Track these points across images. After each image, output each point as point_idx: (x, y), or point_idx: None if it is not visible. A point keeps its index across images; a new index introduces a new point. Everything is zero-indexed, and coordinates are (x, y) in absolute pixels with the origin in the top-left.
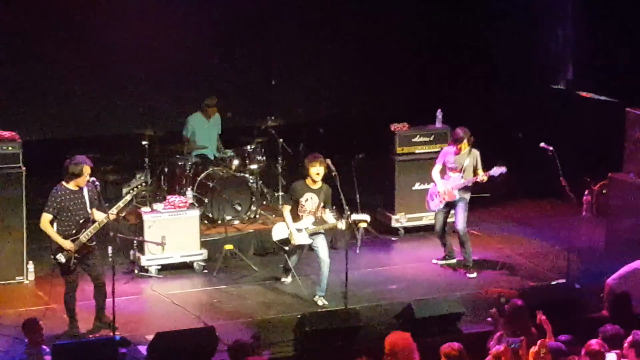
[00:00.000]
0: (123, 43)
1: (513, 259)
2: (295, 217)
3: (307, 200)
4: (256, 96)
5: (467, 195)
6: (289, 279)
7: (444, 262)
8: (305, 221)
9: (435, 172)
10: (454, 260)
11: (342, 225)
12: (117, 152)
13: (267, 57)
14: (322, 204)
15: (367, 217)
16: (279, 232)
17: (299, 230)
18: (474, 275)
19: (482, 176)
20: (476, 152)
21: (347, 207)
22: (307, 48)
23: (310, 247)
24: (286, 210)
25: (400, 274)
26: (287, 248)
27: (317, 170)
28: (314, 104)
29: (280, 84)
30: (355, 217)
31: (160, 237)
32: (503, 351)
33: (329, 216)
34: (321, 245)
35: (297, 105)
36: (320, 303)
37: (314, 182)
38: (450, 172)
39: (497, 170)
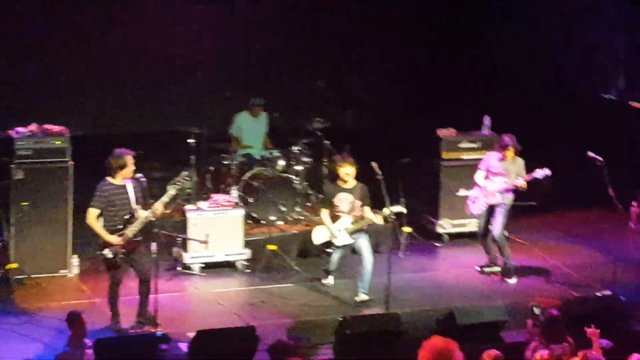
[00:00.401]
0: (172, 40)
1: (558, 268)
2: (333, 218)
3: (340, 200)
4: (303, 97)
5: (508, 200)
6: (330, 281)
7: (487, 269)
8: (343, 221)
9: (479, 177)
10: (497, 268)
11: (378, 219)
12: (163, 150)
13: (316, 58)
14: (359, 203)
15: (402, 209)
16: (319, 235)
17: (338, 230)
18: (514, 281)
19: (522, 180)
20: (521, 161)
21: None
22: (355, 50)
23: (353, 250)
24: (323, 213)
25: (442, 280)
26: (329, 250)
27: (346, 171)
28: (360, 107)
29: (328, 86)
30: (389, 210)
31: (204, 235)
32: (547, 359)
33: (369, 213)
34: (363, 244)
35: (344, 107)
36: (360, 298)
37: (345, 182)
38: (493, 177)
39: (540, 173)
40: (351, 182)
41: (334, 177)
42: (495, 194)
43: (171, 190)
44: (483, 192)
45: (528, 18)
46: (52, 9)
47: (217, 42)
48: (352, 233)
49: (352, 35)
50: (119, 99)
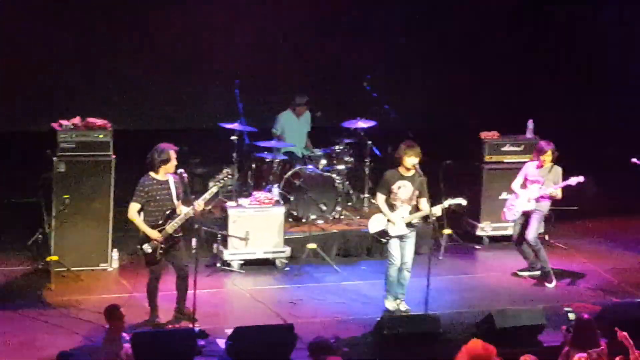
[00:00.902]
0: (215, 38)
1: (598, 274)
2: (390, 207)
3: (399, 187)
4: (347, 97)
5: (544, 208)
6: (391, 306)
7: (527, 273)
8: (400, 210)
9: (516, 184)
10: (536, 272)
11: (437, 211)
12: (205, 146)
13: (359, 58)
14: (417, 193)
15: (463, 201)
16: (375, 223)
17: (395, 219)
18: (552, 284)
19: (556, 189)
20: (558, 169)
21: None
22: (399, 51)
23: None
24: (380, 199)
25: (482, 282)
26: (384, 240)
27: (412, 162)
28: (404, 108)
29: (371, 86)
30: (450, 201)
31: (244, 232)
32: None
33: (425, 205)
34: (408, 249)
35: (387, 108)
36: (402, 308)
37: (408, 170)
38: (529, 185)
39: (573, 180)
40: (412, 171)
41: (394, 164)
42: (530, 201)
43: (213, 188)
44: (518, 199)
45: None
46: (97, 5)
47: (258, 39)
48: (408, 224)
49: (397, 34)
50: (161, 95)
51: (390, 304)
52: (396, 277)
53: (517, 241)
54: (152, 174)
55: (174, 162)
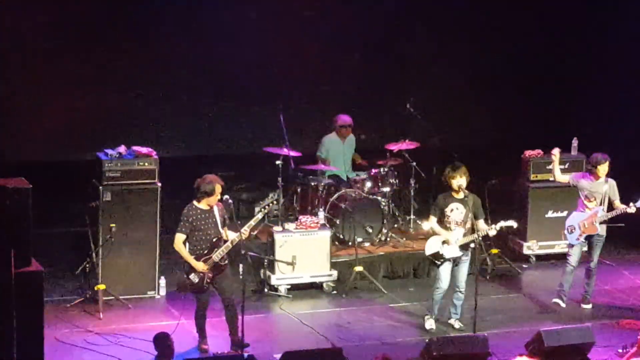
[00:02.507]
0: (259, 62)
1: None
2: (444, 229)
3: (452, 210)
4: (390, 118)
5: (605, 229)
6: (431, 325)
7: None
8: (455, 233)
9: (561, 176)
10: (561, 302)
11: (492, 232)
12: (251, 171)
13: (402, 79)
14: (471, 214)
15: (514, 223)
16: (431, 245)
17: (450, 241)
18: (589, 306)
19: (632, 207)
20: (613, 182)
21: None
22: (442, 71)
23: (452, 273)
24: (433, 220)
25: (530, 301)
26: (438, 262)
27: (458, 183)
28: (447, 128)
29: (415, 107)
30: (502, 223)
31: (290, 257)
32: None
33: (483, 225)
34: (462, 271)
35: (430, 129)
36: (457, 326)
37: (457, 192)
38: (587, 202)
39: None
40: (463, 193)
41: (445, 189)
42: (596, 225)
43: (259, 214)
44: (583, 226)
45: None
46: (141, 32)
47: (301, 62)
48: (462, 246)
49: (436, 54)
50: (205, 120)
51: (430, 324)
52: (440, 300)
53: (576, 265)
54: (195, 203)
55: (217, 196)
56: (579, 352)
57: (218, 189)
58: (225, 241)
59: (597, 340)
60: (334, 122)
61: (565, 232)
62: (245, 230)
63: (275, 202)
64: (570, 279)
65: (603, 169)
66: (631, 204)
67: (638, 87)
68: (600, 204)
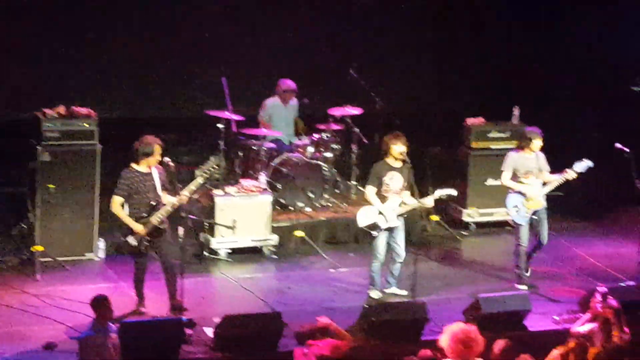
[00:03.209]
0: (201, 27)
1: (583, 259)
2: (381, 198)
3: (391, 178)
4: (333, 84)
5: (545, 200)
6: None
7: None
8: (391, 202)
9: (507, 179)
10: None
11: (429, 202)
12: (192, 135)
13: (345, 45)
14: (407, 184)
15: (453, 192)
16: (364, 217)
17: (386, 211)
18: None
19: (571, 172)
20: (542, 154)
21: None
22: (386, 38)
23: (388, 243)
24: (371, 191)
25: (468, 268)
26: (375, 233)
27: (399, 149)
28: (391, 95)
29: (358, 73)
30: (440, 192)
31: (231, 221)
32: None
33: (410, 198)
34: (399, 240)
35: (374, 95)
36: (398, 293)
37: (396, 160)
38: (524, 179)
39: (583, 166)
40: (400, 162)
41: (381, 156)
42: (541, 199)
43: (199, 179)
44: (525, 197)
45: (609, 18)
46: None
47: (244, 27)
48: (399, 215)
49: (382, 21)
50: (148, 83)
51: (375, 294)
52: (380, 272)
53: (527, 245)
54: (133, 165)
55: (157, 156)
56: (516, 319)
57: (157, 149)
58: (165, 204)
59: (533, 307)
60: (277, 86)
61: (510, 212)
62: (185, 194)
63: (216, 166)
64: (524, 259)
65: (538, 143)
66: (568, 170)
67: (580, 57)
68: (537, 178)
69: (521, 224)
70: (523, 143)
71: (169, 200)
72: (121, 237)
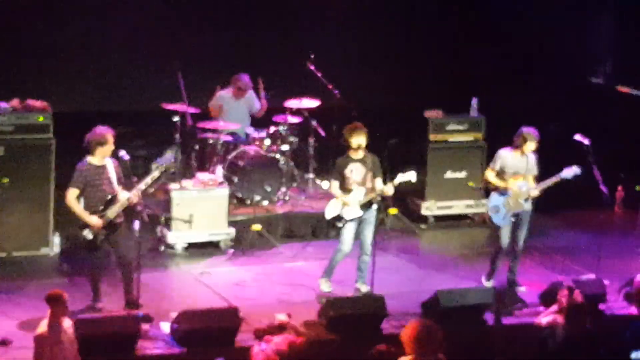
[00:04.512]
0: (156, 17)
1: (543, 252)
2: (345, 191)
3: (351, 171)
4: (290, 77)
5: (530, 203)
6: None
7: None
8: (355, 193)
9: (492, 176)
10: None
11: (389, 189)
12: (148, 127)
13: (303, 37)
14: (371, 174)
15: (413, 177)
16: (331, 209)
17: (350, 202)
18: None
19: (557, 177)
20: (533, 156)
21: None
22: (343, 30)
23: (356, 235)
24: (334, 185)
25: (428, 262)
26: (340, 225)
27: (358, 141)
28: (348, 87)
29: (315, 66)
30: (400, 178)
31: (188, 215)
32: None
33: (380, 184)
34: (367, 234)
35: (331, 87)
36: (363, 289)
37: (356, 152)
38: (511, 179)
39: (571, 172)
40: (361, 153)
41: (344, 150)
42: (522, 201)
43: (155, 172)
44: (507, 198)
45: (569, 10)
46: None
47: (200, 18)
48: (363, 206)
49: (338, 13)
50: (103, 76)
51: (325, 286)
52: (339, 262)
53: (509, 247)
54: (89, 158)
55: (111, 145)
56: (476, 313)
57: (110, 138)
58: (120, 199)
59: (494, 301)
60: (232, 80)
61: (490, 213)
62: (141, 188)
63: (172, 162)
64: (500, 260)
65: (532, 145)
66: (557, 175)
67: (537, 48)
68: (524, 180)
69: (500, 225)
70: (517, 142)
71: (124, 194)
72: (77, 230)
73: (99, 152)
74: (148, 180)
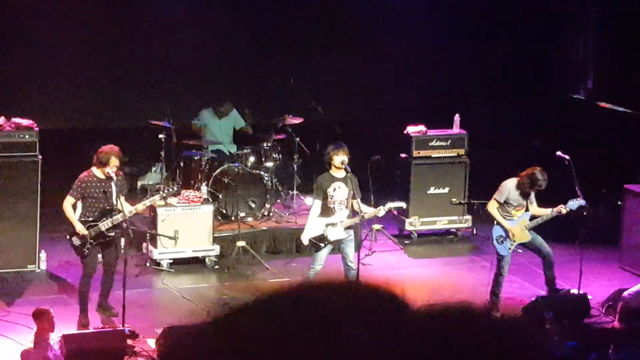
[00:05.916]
0: (143, 36)
1: (526, 267)
2: (327, 210)
3: (335, 190)
4: (274, 94)
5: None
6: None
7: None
8: (339, 214)
9: (494, 208)
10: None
11: (381, 212)
12: (133, 144)
13: (286, 55)
14: (352, 194)
15: (403, 205)
16: (312, 229)
17: (333, 224)
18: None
19: (563, 208)
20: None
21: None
22: (326, 48)
23: (338, 250)
24: (316, 205)
25: (411, 277)
26: (322, 245)
27: (341, 159)
28: (332, 104)
29: (298, 83)
30: (391, 205)
31: (173, 231)
32: None
33: (364, 206)
34: (349, 250)
35: (315, 104)
36: None
37: (338, 170)
38: (514, 211)
39: (576, 204)
40: (343, 172)
41: (324, 168)
42: (525, 233)
43: (156, 197)
44: (516, 235)
45: (550, 27)
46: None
47: (186, 37)
48: (347, 228)
49: (320, 30)
50: (88, 93)
51: None
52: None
53: (502, 274)
54: (94, 170)
55: (112, 167)
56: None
57: (113, 161)
58: (118, 212)
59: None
60: (214, 105)
61: (495, 243)
62: (139, 208)
63: (174, 190)
64: (501, 288)
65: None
66: (562, 206)
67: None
68: (526, 210)
69: (503, 254)
70: (524, 180)
71: (126, 209)
72: (67, 235)
73: (101, 170)
74: (147, 202)
